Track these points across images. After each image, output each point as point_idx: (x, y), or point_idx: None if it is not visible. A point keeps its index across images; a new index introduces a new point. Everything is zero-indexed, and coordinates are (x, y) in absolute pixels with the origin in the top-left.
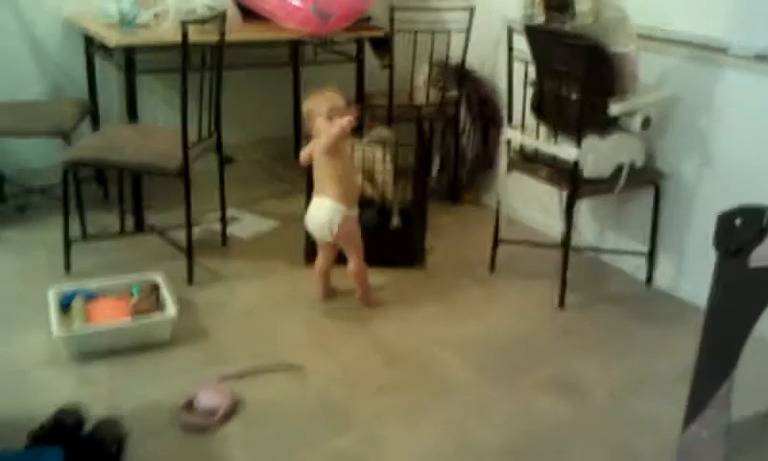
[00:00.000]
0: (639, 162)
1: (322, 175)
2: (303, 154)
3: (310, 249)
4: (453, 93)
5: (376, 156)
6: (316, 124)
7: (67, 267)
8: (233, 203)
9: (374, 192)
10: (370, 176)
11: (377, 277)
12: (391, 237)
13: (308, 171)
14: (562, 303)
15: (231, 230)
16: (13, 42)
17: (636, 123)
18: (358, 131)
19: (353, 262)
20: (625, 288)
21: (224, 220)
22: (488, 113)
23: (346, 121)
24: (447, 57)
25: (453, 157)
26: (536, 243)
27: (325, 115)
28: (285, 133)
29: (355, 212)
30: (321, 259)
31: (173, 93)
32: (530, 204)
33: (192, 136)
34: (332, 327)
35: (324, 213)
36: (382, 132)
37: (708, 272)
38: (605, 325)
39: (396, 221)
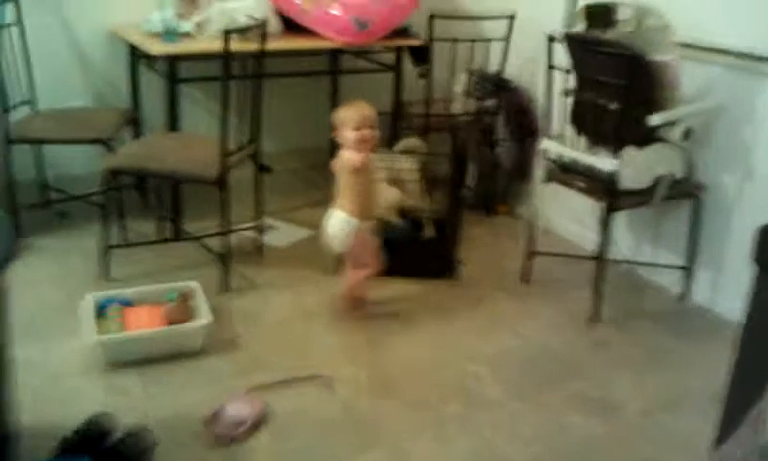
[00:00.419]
0: (679, 174)
1: (342, 186)
2: (334, 163)
3: (340, 258)
4: (490, 103)
5: (404, 166)
6: (344, 134)
7: (106, 274)
8: (270, 211)
9: (406, 202)
10: (399, 186)
11: (409, 287)
12: (424, 248)
13: None
14: (596, 316)
15: (267, 238)
16: (61, 53)
17: (677, 134)
18: (390, 141)
19: (365, 270)
20: (661, 303)
21: (260, 228)
22: (525, 123)
23: (357, 159)
24: (486, 66)
25: (489, 167)
26: (571, 255)
27: (353, 126)
28: (322, 142)
29: (371, 225)
30: (347, 269)
31: (213, 102)
32: (565, 215)
33: (231, 145)
34: (362, 338)
35: (336, 225)
36: (412, 141)
37: (746, 287)
38: (640, 339)
39: (427, 230)
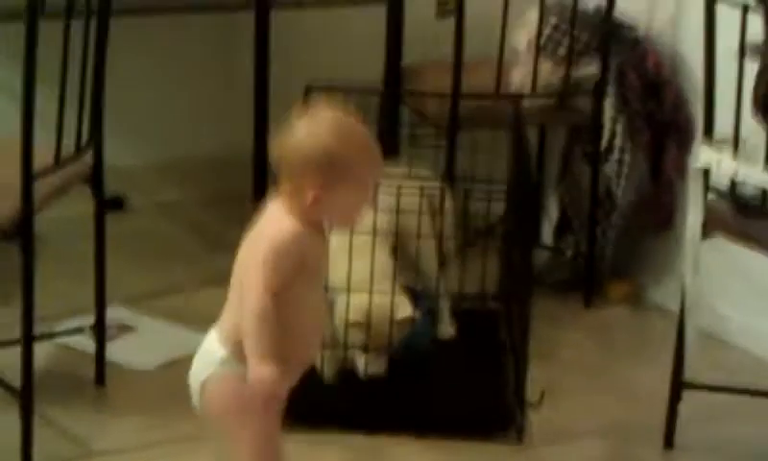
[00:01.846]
0: None
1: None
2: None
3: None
4: (590, 71)
5: (412, 205)
6: (326, 194)
7: None
8: (124, 293)
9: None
10: (405, 246)
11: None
12: (445, 372)
13: None
14: None
15: (117, 350)
16: None
17: None
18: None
19: None
20: None
21: (101, 330)
22: (662, 116)
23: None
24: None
25: (587, 204)
26: (766, 392)
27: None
28: (233, 149)
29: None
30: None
31: (8, 70)
32: (755, 305)
33: (43, 155)
34: None
35: (199, 359)
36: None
37: None
38: None
39: (446, 328)
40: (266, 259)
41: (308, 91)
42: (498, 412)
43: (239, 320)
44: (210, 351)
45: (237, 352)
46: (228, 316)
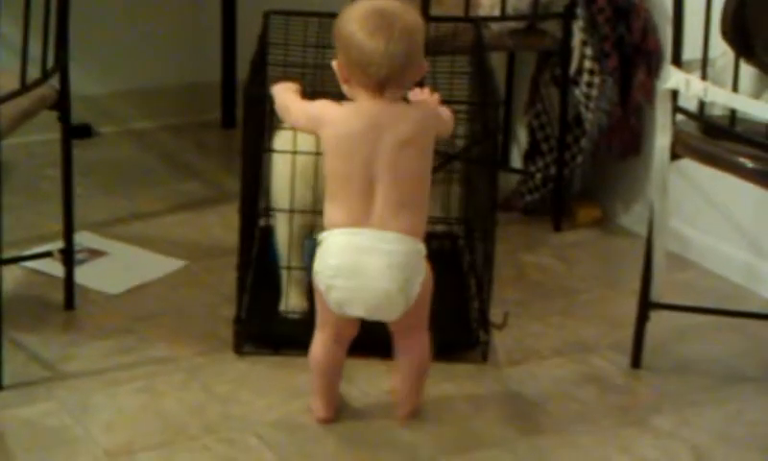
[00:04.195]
0: None
1: (368, 182)
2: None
3: (248, 323)
4: None
5: None
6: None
7: None
8: (91, 220)
9: None
10: None
11: (380, 382)
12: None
13: (249, 155)
14: None
15: (85, 275)
16: None
17: None
18: None
19: (420, 345)
20: None
21: (70, 255)
22: (631, 40)
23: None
24: None
25: (557, 128)
26: (732, 311)
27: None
28: (201, 76)
29: None
30: (330, 342)
31: None
32: (719, 227)
33: (9, 80)
34: None
35: (394, 264)
36: None
37: None
38: None
39: None
40: (435, 113)
41: (266, 17)
42: (462, 333)
43: (420, 216)
44: (414, 252)
45: (422, 234)
46: (405, 217)
